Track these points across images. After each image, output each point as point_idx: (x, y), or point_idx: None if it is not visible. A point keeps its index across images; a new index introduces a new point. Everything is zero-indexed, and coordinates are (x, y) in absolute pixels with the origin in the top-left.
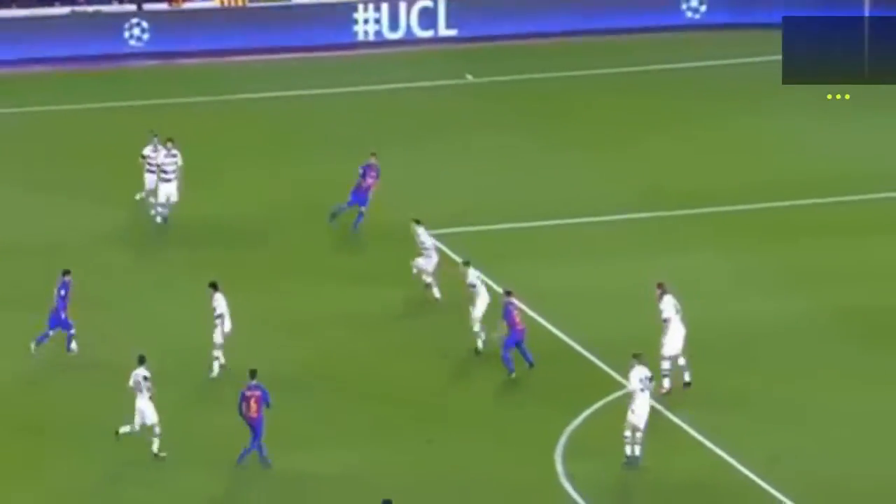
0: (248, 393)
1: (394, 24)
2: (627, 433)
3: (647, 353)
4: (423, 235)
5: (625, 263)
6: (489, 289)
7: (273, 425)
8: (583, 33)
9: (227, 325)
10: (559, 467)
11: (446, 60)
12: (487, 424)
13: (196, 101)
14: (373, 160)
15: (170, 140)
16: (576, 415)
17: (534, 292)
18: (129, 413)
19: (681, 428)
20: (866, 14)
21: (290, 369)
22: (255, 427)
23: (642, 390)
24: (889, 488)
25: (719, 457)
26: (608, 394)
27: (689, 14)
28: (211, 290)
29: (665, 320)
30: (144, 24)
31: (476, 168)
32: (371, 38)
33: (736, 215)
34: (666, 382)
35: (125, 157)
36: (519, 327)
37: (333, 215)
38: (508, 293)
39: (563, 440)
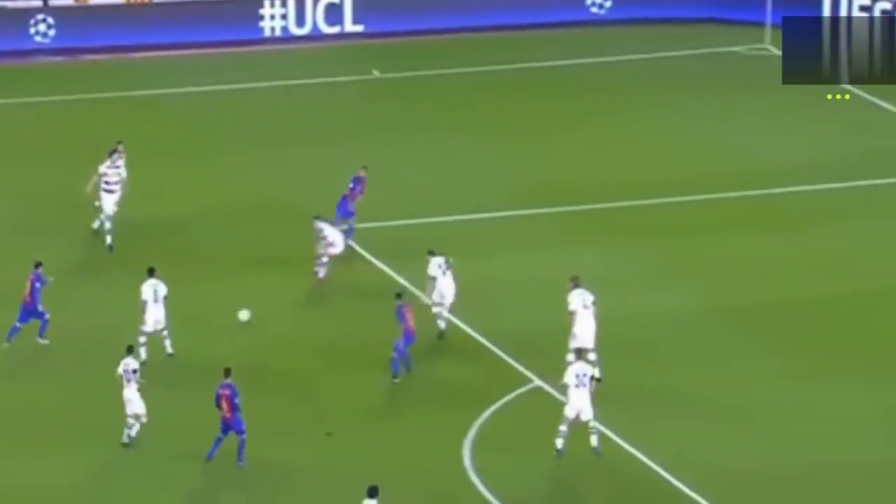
0: (221, 391)
1: (300, 20)
2: (562, 427)
3: (549, 346)
4: (328, 230)
5: (528, 258)
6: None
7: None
8: (489, 29)
9: (152, 313)
10: (467, 461)
11: (353, 56)
12: (394, 418)
13: (103, 97)
14: (363, 173)
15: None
16: (484, 409)
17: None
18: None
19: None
20: (768, 17)
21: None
22: (227, 425)
23: (577, 386)
24: (791, 479)
25: (626, 450)
26: (516, 388)
27: (594, 10)
28: (147, 275)
29: (571, 313)
30: (50, 20)
31: (382, 164)
32: (278, 33)
33: (632, 210)
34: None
35: (30, 153)
36: (410, 331)
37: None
38: (399, 296)
39: (471, 433)
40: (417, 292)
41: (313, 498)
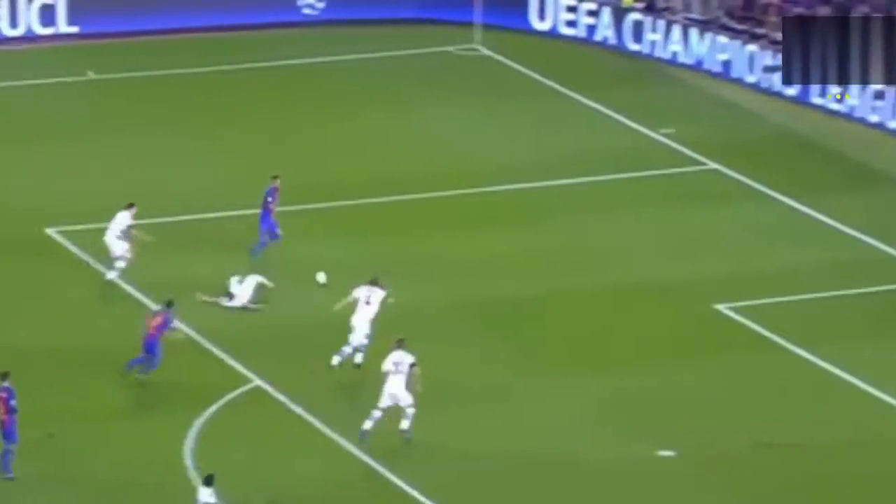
0: None
1: (13, 22)
2: (376, 412)
3: (270, 346)
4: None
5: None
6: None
7: None
8: (203, 30)
9: None
10: (188, 460)
11: (68, 57)
12: (116, 420)
13: None
14: (276, 183)
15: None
16: (205, 409)
17: (156, 288)
18: None
19: (311, 424)
20: (477, 17)
21: None
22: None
23: (394, 373)
24: (505, 468)
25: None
26: (237, 388)
27: (307, 11)
28: None
29: (352, 301)
30: None
31: (98, 165)
32: None
33: (363, 208)
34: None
35: None
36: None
37: (254, 252)
38: (170, 304)
39: (192, 434)
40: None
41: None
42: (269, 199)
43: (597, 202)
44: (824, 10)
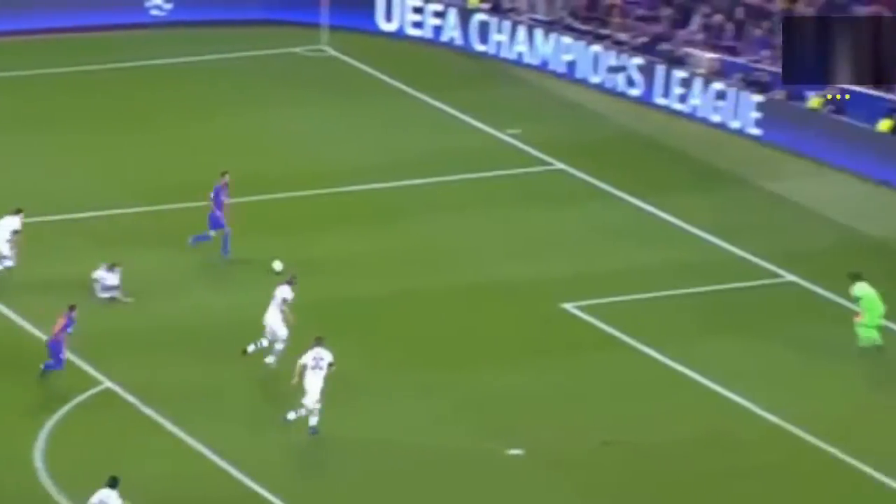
0: None
1: None
2: (302, 410)
3: (121, 347)
4: None
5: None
6: None
7: None
8: (48, 31)
9: None
10: (38, 462)
11: None
12: None
13: None
14: (226, 178)
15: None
16: (54, 412)
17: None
18: None
19: (162, 426)
20: (323, 19)
21: None
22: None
23: (313, 368)
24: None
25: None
26: (86, 390)
27: (155, 12)
28: None
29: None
30: None
31: None
32: None
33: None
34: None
35: None
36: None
37: (195, 241)
38: (72, 308)
39: (42, 436)
40: None
41: None
42: (222, 197)
43: (446, 202)
44: (667, 11)
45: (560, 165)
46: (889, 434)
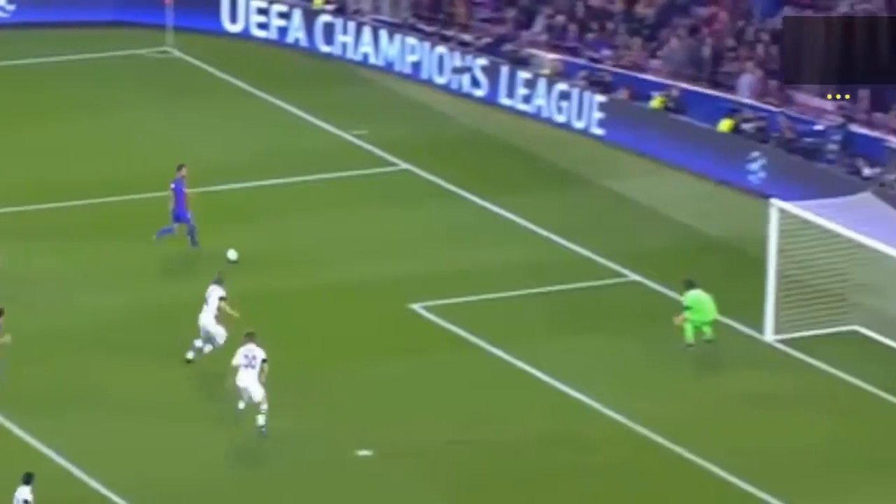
0: None
1: None
2: (239, 406)
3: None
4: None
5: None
6: None
7: None
8: None
9: None
10: None
11: None
12: None
13: None
14: (184, 171)
15: None
16: None
17: None
18: None
19: (11, 431)
20: (169, 20)
21: None
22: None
23: (245, 366)
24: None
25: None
26: None
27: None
28: None
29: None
30: None
31: None
32: None
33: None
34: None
35: None
36: None
37: (161, 235)
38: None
39: None
40: None
41: None
42: (184, 189)
43: (294, 203)
44: (511, 13)
45: (406, 166)
46: (732, 431)
